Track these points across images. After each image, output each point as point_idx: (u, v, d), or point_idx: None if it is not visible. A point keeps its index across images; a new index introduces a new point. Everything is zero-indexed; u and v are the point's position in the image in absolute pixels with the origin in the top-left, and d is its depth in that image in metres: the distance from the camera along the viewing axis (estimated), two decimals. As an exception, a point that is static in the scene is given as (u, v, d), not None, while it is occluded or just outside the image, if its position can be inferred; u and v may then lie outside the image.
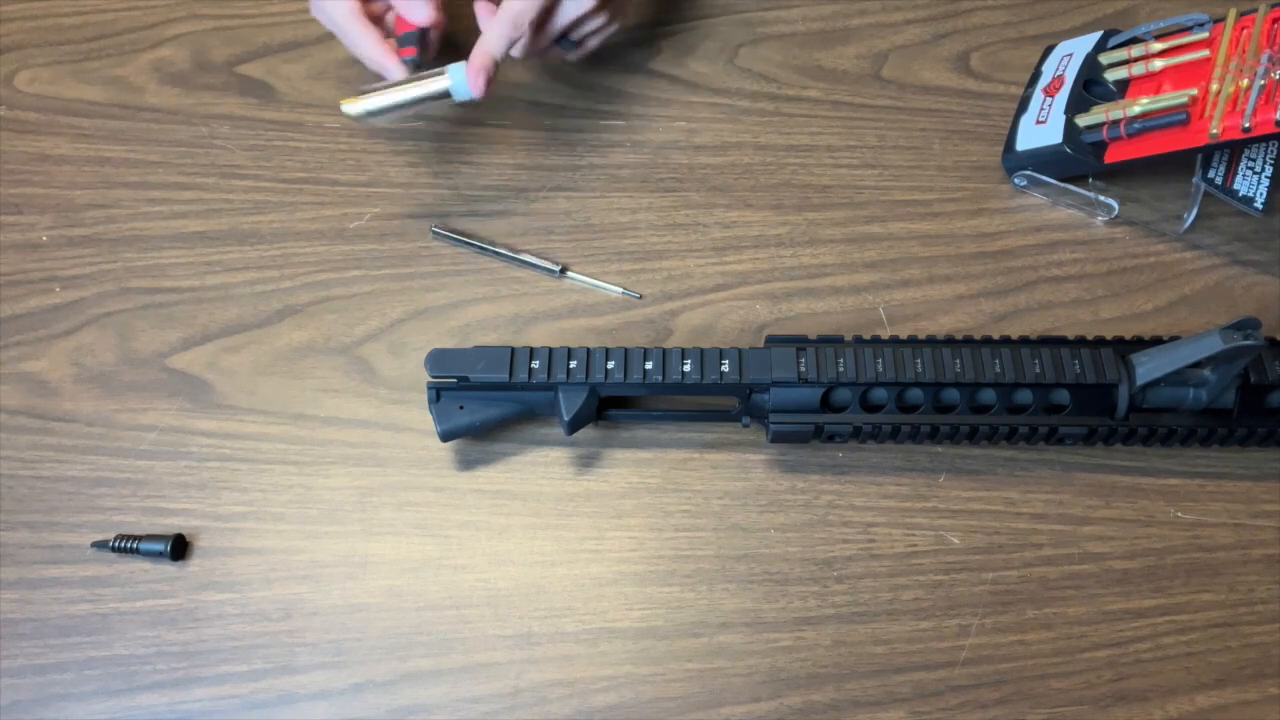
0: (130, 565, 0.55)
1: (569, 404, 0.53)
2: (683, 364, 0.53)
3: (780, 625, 0.53)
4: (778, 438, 0.55)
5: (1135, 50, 0.63)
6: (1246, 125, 0.55)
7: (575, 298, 0.62)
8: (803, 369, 0.53)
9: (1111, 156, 0.61)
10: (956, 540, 0.55)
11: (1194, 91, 0.58)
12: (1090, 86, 0.64)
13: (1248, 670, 0.52)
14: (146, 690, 0.52)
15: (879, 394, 0.54)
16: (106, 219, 0.65)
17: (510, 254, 0.63)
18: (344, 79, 0.69)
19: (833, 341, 0.55)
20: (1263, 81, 0.56)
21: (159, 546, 0.54)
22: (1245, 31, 0.59)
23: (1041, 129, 0.63)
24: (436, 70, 0.59)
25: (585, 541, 0.55)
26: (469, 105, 0.60)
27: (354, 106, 0.59)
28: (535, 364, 0.53)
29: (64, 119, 0.69)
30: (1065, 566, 0.54)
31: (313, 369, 0.60)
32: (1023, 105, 0.66)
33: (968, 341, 0.55)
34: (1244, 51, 0.58)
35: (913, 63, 0.70)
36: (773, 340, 0.55)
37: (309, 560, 0.55)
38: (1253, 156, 0.61)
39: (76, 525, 0.56)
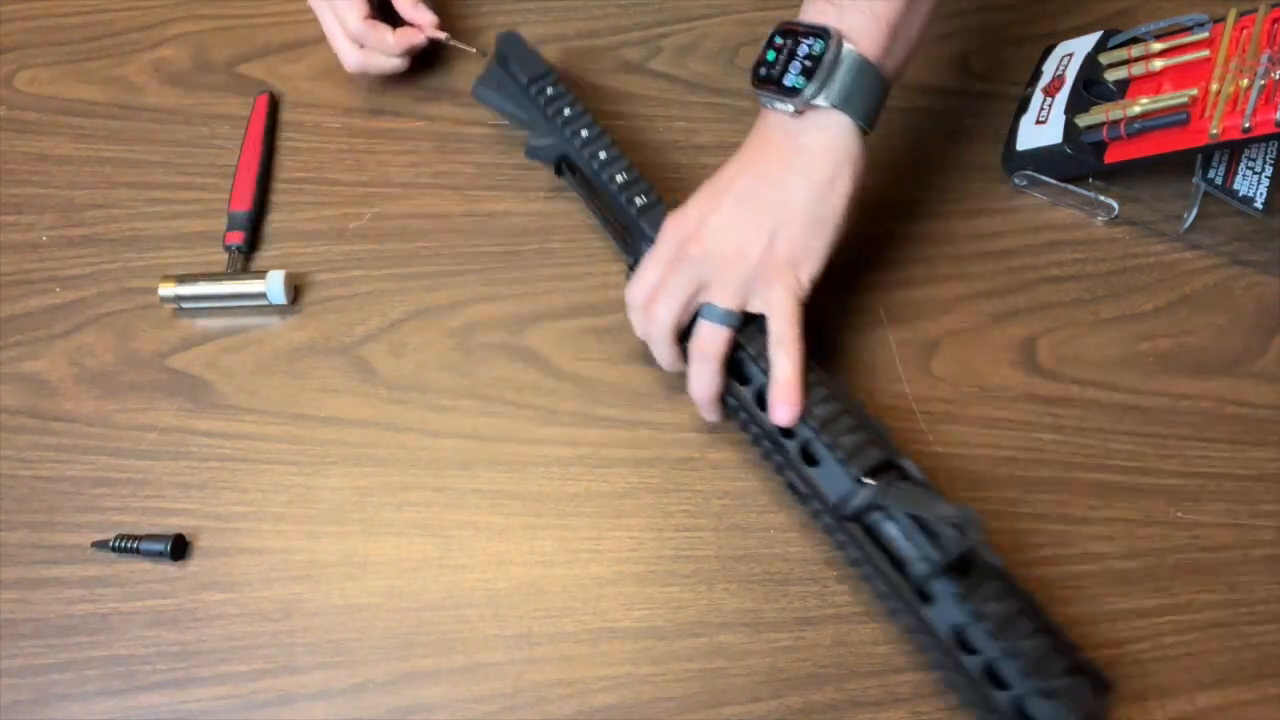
0: (130, 565, 0.55)
1: (541, 141, 0.62)
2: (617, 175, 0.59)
3: (780, 625, 0.53)
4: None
5: (1135, 50, 0.63)
6: (1246, 125, 0.55)
7: (575, 298, 0.62)
8: None
9: (1111, 156, 0.61)
10: (956, 540, 0.55)
11: (1194, 91, 0.58)
12: (1090, 86, 0.64)
13: (1248, 670, 0.52)
14: (146, 690, 0.52)
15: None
16: (106, 219, 0.65)
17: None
18: (345, 79, 0.69)
19: None
20: (1263, 81, 0.56)
21: (159, 546, 0.54)
22: (1245, 31, 0.59)
23: (1041, 129, 0.63)
24: (255, 273, 0.61)
25: (585, 541, 0.55)
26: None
27: (169, 290, 0.61)
28: (553, 107, 0.61)
29: (64, 119, 0.69)
30: (1065, 566, 0.54)
31: (313, 369, 0.60)
32: (1023, 105, 0.66)
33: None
34: (1244, 51, 0.58)
35: (913, 62, 0.70)
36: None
37: (309, 560, 0.55)
38: (1253, 156, 0.61)
39: (76, 525, 0.56)
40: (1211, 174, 0.61)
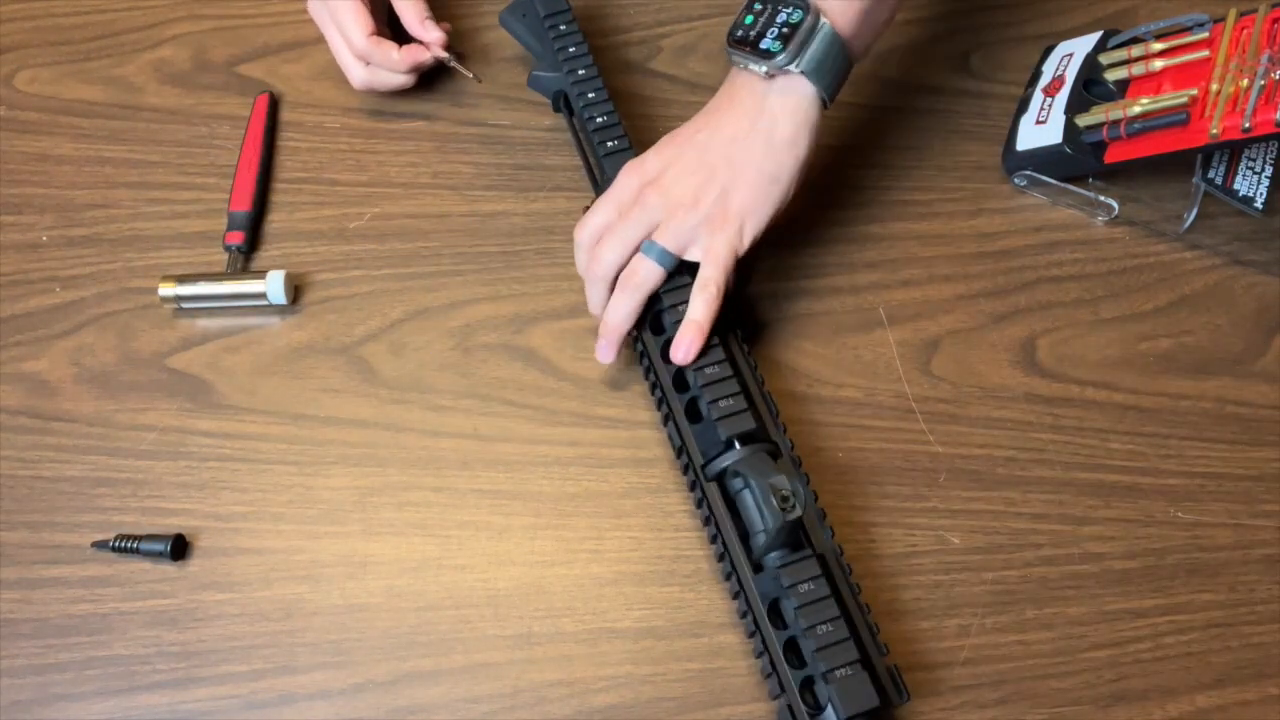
0: (130, 565, 0.55)
1: (546, 73, 0.65)
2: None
3: (780, 625, 0.53)
4: None
5: (1135, 50, 0.63)
6: (1246, 125, 0.55)
7: (575, 298, 0.62)
8: None
9: (1111, 156, 0.61)
10: (956, 540, 0.55)
11: (1194, 91, 0.58)
12: (1090, 86, 0.64)
13: (1248, 670, 0.52)
14: (146, 690, 0.52)
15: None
16: (106, 219, 0.65)
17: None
18: (345, 79, 0.69)
19: None
20: (1263, 81, 0.56)
21: (159, 546, 0.54)
22: (1245, 31, 0.59)
23: (1041, 129, 0.63)
24: (255, 273, 0.61)
25: (585, 541, 0.55)
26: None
27: (169, 290, 0.61)
28: (561, 43, 0.64)
29: (64, 119, 0.69)
30: (1065, 566, 0.54)
31: (313, 369, 0.60)
32: (1023, 105, 0.66)
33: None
34: (1244, 51, 0.58)
35: (913, 63, 0.70)
36: None
37: (309, 560, 0.55)
38: (1253, 156, 0.61)
39: (76, 525, 0.56)
40: (1211, 174, 0.61)
